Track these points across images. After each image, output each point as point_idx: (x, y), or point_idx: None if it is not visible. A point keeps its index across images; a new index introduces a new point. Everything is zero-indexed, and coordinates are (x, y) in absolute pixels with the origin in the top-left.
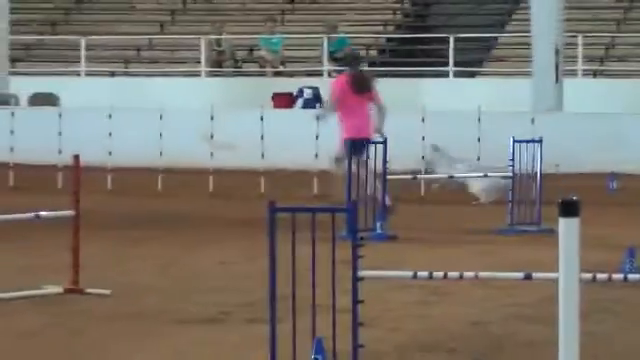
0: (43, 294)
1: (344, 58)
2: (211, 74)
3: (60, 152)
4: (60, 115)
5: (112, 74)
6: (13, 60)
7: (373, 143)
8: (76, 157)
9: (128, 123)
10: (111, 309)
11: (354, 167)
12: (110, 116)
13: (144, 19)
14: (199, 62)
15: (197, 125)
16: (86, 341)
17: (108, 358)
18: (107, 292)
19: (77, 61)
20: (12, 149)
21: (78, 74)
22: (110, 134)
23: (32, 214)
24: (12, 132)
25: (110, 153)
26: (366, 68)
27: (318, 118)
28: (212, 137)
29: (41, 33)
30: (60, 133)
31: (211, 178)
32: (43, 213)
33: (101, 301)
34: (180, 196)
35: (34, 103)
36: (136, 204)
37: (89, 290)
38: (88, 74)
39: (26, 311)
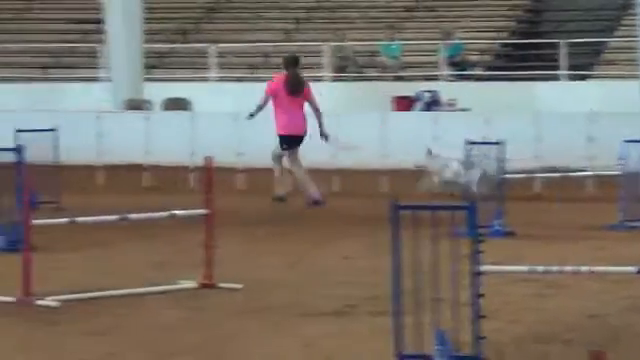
0: (179, 289)
1: (285, 60)
2: (334, 79)
3: (192, 154)
4: (192, 119)
5: (240, 79)
6: (147, 67)
7: (489, 144)
8: (208, 159)
9: (256, 126)
10: (243, 303)
11: (286, 162)
12: (238, 119)
13: (270, 27)
14: (322, 67)
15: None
16: (220, 333)
17: (241, 349)
18: (239, 287)
19: (207, 67)
20: (147, 151)
21: (208, 80)
22: (239, 137)
23: (167, 213)
24: (147, 135)
25: (239, 155)
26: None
27: (252, 115)
28: (336, 139)
29: (173, 41)
30: (192, 136)
31: (335, 178)
32: (178, 212)
33: (233, 295)
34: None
35: (167, 108)
36: (264, 203)
37: (222, 285)
38: (218, 80)
39: (163, 305)
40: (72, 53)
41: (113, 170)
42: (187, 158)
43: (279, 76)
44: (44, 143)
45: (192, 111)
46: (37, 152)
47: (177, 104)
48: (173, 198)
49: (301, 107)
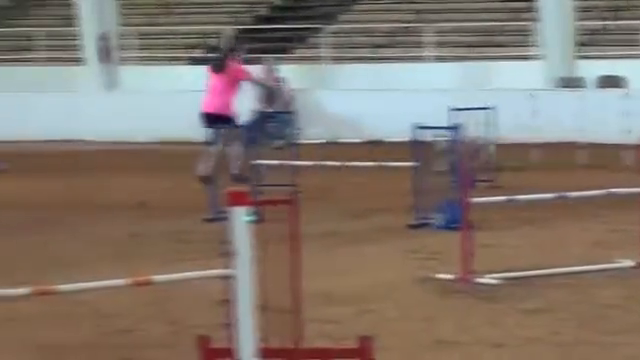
0: (616, 267)
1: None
2: None
3: (628, 132)
4: (627, 96)
5: None
6: (578, 45)
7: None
8: None
9: None
10: None
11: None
12: None
13: None
14: None
15: None
16: None
17: None
18: None
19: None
20: (581, 129)
21: None
22: None
23: (605, 191)
24: (581, 113)
25: None
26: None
27: None
28: None
29: (605, 18)
30: (627, 114)
31: None
32: (616, 190)
33: None
34: None
35: (601, 85)
36: None
37: None
38: None
39: (602, 284)
40: (503, 32)
41: (547, 148)
42: (621, 136)
43: None
44: (479, 121)
45: (627, 88)
46: (472, 130)
47: (611, 82)
48: (607, 176)
49: (219, 85)
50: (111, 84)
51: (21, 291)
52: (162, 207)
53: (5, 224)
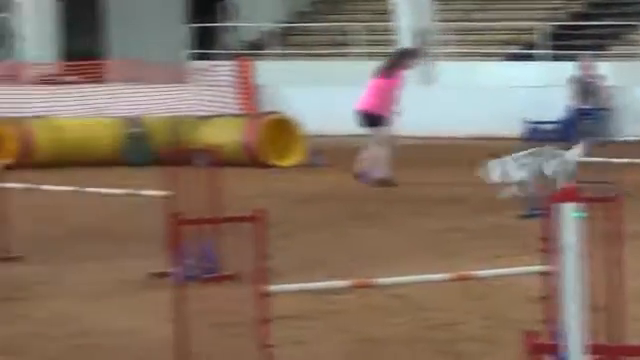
0: None
1: None
2: None
3: None
4: None
5: None
6: None
7: None
8: None
9: None
10: None
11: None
12: None
13: None
14: None
15: None
16: None
17: None
18: None
19: None
20: None
21: None
22: None
23: None
24: None
25: None
26: None
27: None
28: None
29: None
30: None
31: None
32: None
33: None
34: None
35: None
36: None
37: None
38: None
39: None
40: None
41: None
42: None
43: None
44: None
45: None
46: None
47: None
48: None
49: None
50: (428, 80)
51: (341, 283)
52: (475, 202)
53: (325, 216)
